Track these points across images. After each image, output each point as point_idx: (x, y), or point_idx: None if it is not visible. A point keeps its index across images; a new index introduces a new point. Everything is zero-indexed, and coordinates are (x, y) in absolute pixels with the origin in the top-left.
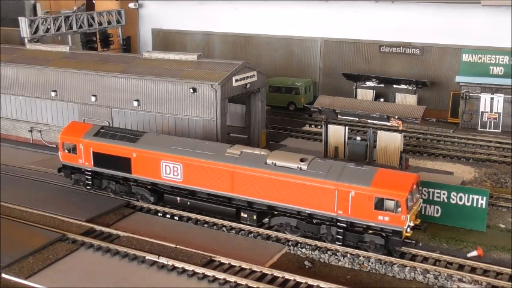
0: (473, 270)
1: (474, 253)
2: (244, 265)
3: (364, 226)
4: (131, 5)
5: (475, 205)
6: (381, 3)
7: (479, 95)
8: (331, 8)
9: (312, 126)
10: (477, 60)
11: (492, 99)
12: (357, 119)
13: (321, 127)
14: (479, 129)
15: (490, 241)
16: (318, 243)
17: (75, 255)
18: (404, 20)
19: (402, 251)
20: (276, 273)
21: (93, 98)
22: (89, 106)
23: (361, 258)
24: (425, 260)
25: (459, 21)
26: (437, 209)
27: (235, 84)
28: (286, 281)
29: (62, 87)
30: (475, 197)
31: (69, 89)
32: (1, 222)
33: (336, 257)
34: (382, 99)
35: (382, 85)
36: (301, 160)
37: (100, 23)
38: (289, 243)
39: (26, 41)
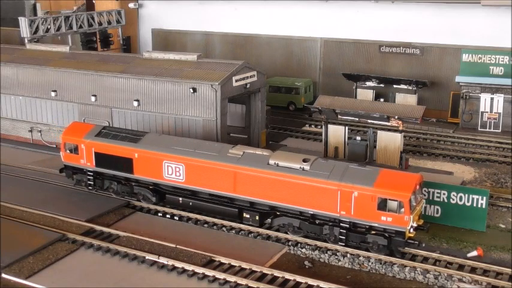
0: (473, 270)
1: (474, 253)
2: (244, 265)
3: (367, 227)
4: (131, 5)
5: (475, 205)
6: (380, 3)
7: (479, 95)
8: (331, 8)
9: (312, 126)
10: (477, 60)
11: (492, 99)
12: (357, 119)
13: (321, 127)
14: (479, 129)
15: (490, 241)
16: (318, 243)
17: (75, 255)
18: (404, 20)
19: (402, 251)
20: (276, 273)
21: (93, 98)
22: (89, 106)
23: (361, 258)
24: (425, 260)
25: (459, 21)
26: (437, 209)
27: (235, 84)
28: (286, 281)
29: (62, 87)
30: (475, 197)
31: (69, 89)
32: (1, 222)
33: (336, 257)
34: (382, 99)
35: (382, 85)
36: (304, 161)
37: (100, 23)
38: (289, 243)
39: (26, 41)
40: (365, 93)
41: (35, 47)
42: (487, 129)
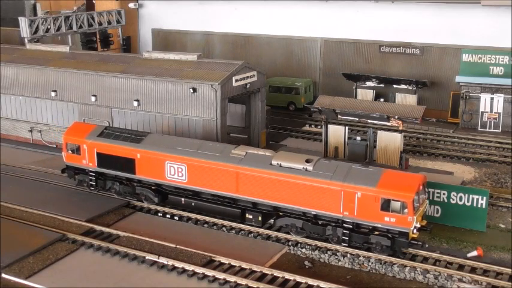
0: (473, 270)
1: (474, 253)
2: (244, 265)
3: (370, 227)
4: (131, 5)
5: (475, 205)
6: (380, 3)
7: (479, 95)
8: (331, 8)
9: (312, 126)
10: (477, 60)
11: (492, 99)
12: (357, 119)
13: (321, 127)
14: (479, 129)
15: (490, 241)
16: (318, 243)
17: (75, 255)
18: (404, 20)
19: (404, 251)
20: (276, 273)
21: (93, 98)
22: (89, 106)
23: (361, 258)
24: (425, 260)
25: (459, 21)
26: (438, 209)
27: (235, 84)
28: (286, 281)
29: (62, 87)
30: (475, 197)
31: (69, 89)
32: (1, 222)
33: (336, 257)
34: (382, 99)
35: (382, 85)
36: (307, 161)
37: (100, 23)
38: (289, 243)
39: (26, 41)
40: (365, 93)
41: (35, 47)
42: (487, 129)
